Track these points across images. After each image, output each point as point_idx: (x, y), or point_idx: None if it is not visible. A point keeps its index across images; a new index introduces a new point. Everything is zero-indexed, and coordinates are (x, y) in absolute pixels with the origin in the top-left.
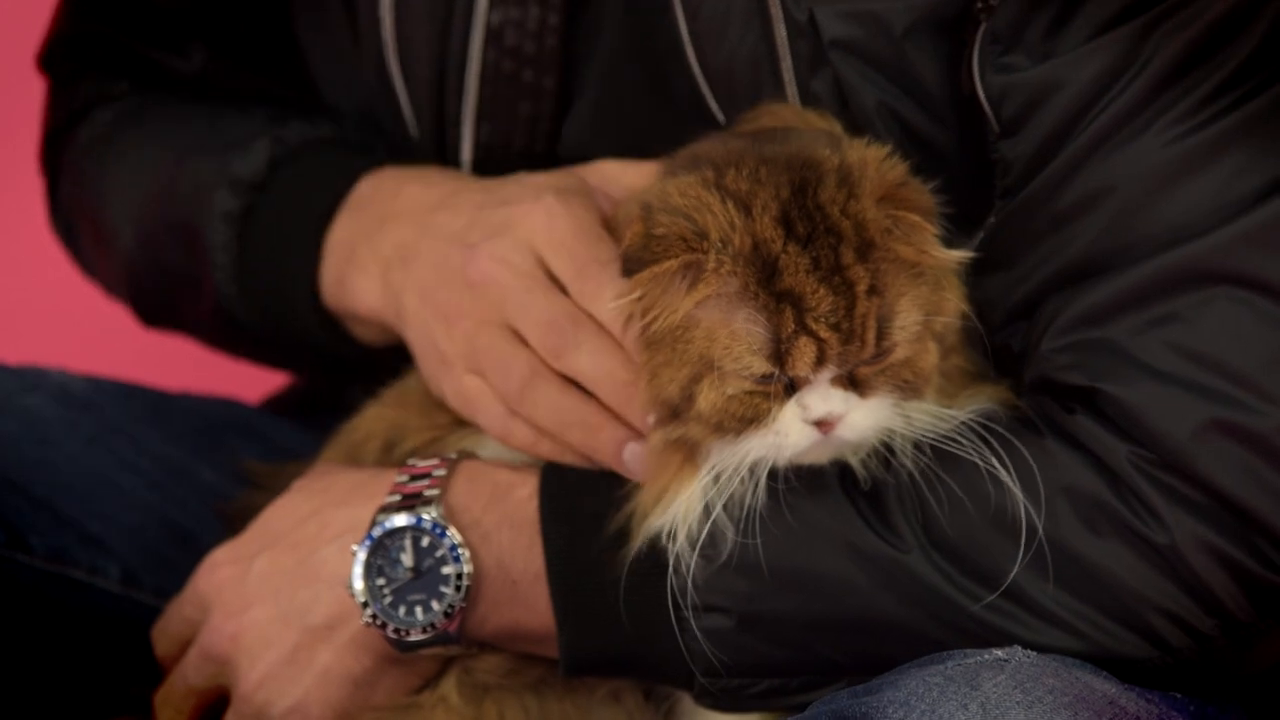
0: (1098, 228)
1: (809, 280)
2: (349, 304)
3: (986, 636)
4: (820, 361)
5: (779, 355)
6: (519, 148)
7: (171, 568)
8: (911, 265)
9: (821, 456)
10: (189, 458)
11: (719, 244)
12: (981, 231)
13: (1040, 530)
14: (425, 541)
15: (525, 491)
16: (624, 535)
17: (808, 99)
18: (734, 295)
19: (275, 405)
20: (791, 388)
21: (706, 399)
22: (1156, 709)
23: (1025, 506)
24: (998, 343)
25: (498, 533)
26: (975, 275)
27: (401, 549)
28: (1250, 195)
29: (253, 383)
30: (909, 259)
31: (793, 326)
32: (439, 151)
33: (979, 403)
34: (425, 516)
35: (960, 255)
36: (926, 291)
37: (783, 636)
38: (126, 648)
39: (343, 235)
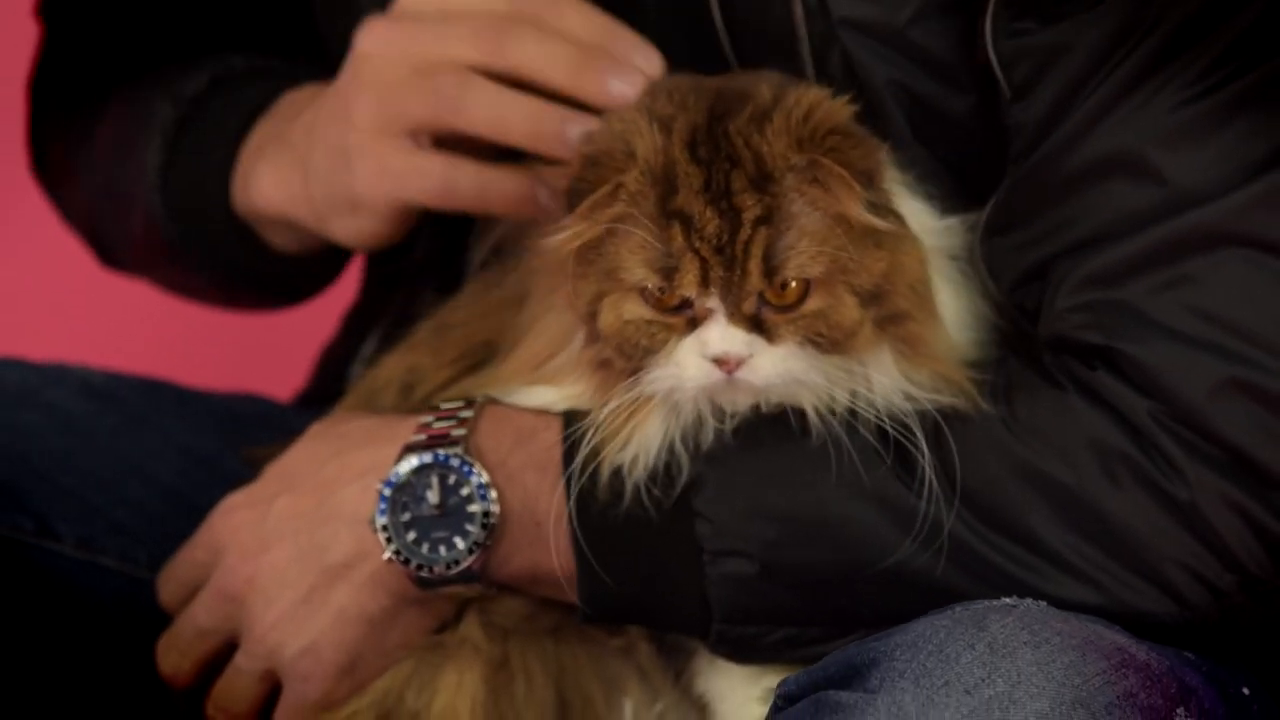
0: (1108, 190)
1: (697, 201)
2: (251, 199)
3: (1008, 588)
4: (705, 283)
5: (668, 271)
6: None
7: None
8: (830, 212)
9: (735, 398)
10: (216, 447)
11: (643, 163)
12: (996, 194)
13: (1064, 483)
14: (452, 479)
15: (550, 435)
16: (597, 457)
17: (822, 77)
18: (642, 212)
19: (302, 402)
20: (694, 324)
21: (604, 318)
22: (1167, 661)
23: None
24: (1012, 302)
25: (523, 474)
26: (988, 236)
27: (428, 486)
28: (1261, 159)
29: (278, 384)
30: (825, 207)
31: (681, 243)
32: None
33: (943, 395)
34: (453, 455)
35: (885, 226)
36: (846, 243)
37: (805, 585)
38: (157, 634)
39: (255, 140)
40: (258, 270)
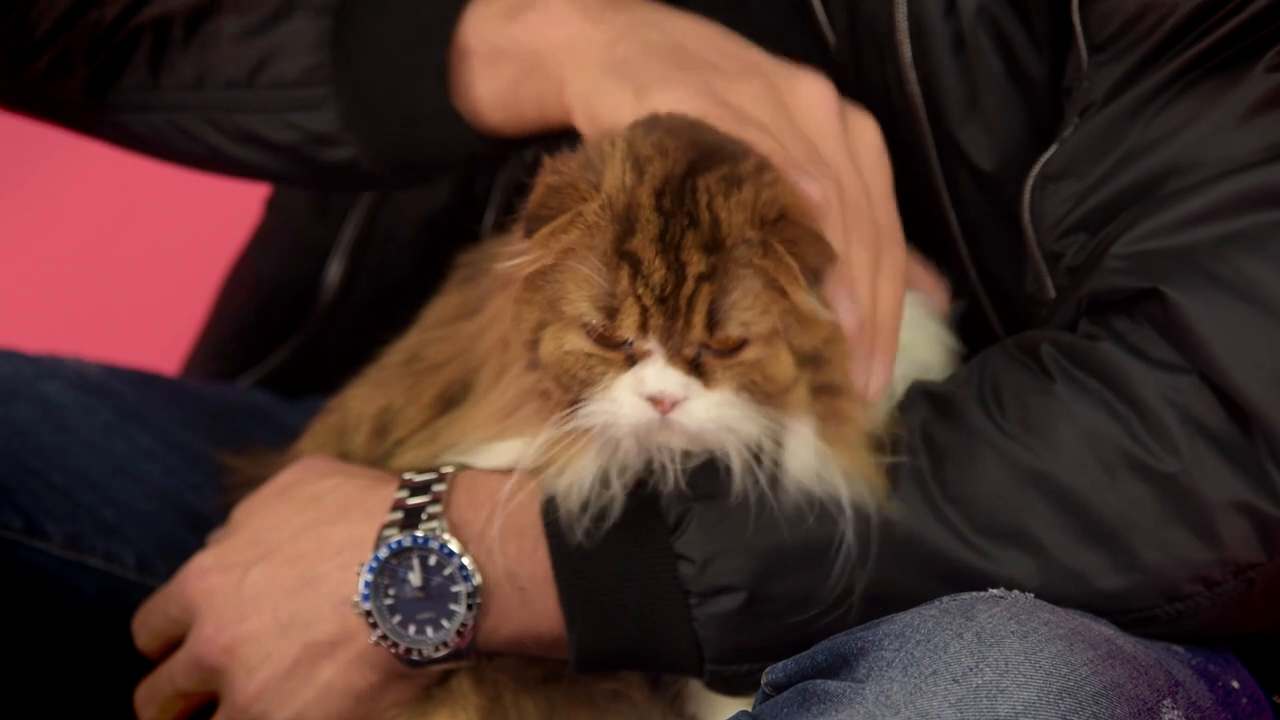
0: (1183, 146)
1: (649, 248)
2: (521, 27)
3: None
4: (644, 329)
5: (610, 311)
6: None
7: (187, 554)
8: (775, 284)
9: (669, 440)
10: (207, 443)
11: (607, 197)
12: (1058, 141)
13: (1056, 478)
14: (433, 560)
15: (525, 498)
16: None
17: None
18: (595, 246)
19: (286, 386)
20: (633, 361)
21: (545, 347)
22: (1155, 653)
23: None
24: (1053, 250)
25: (502, 543)
26: (1043, 182)
27: (409, 568)
28: None
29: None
30: (772, 277)
31: (625, 285)
32: None
33: (853, 486)
34: (431, 535)
35: (824, 316)
36: (790, 306)
37: (792, 614)
38: None
39: None
40: (426, 117)
